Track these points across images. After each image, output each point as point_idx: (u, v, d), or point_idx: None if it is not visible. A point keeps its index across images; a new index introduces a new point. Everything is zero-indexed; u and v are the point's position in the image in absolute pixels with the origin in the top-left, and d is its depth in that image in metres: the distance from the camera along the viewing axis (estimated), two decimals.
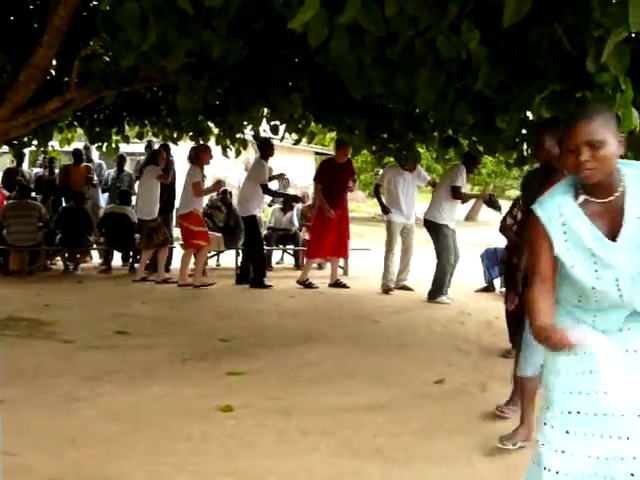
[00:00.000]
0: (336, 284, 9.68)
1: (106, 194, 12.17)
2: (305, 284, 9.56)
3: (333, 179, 9.37)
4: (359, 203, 30.64)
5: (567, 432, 2.25)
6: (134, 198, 11.04)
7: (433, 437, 3.92)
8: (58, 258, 11.31)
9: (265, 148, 9.84)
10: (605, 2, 2.94)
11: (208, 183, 11.09)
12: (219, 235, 10.95)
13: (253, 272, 9.75)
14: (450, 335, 6.74)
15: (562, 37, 3.64)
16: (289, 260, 12.63)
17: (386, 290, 9.25)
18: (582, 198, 2.20)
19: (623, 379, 2.15)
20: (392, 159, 9.44)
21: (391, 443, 3.83)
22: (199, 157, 9.50)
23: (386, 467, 3.51)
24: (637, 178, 2.17)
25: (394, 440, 3.87)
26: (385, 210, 9.51)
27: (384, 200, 9.58)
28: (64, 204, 11.27)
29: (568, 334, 2.09)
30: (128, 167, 12.81)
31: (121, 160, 11.77)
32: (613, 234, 2.17)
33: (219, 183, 10.58)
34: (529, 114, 5.44)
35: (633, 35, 3.73)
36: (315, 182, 9.84)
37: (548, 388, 2.35)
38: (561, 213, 2.21)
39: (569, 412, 2.26)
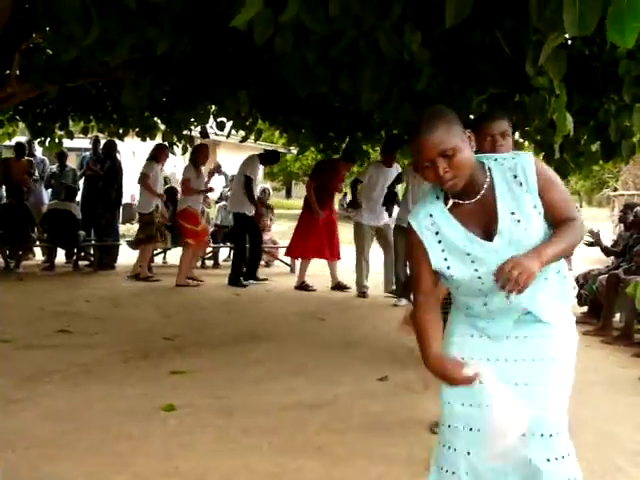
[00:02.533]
0: (338, 286, 9.51)
1: (49, 190, 11.94)
2: (302, 287, 9.43)
3: (327, 180, 9.22)
4: None
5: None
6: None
7: (375, 434, 3.95)
8: None
9: (271, 157, 9.92)
10: (542, 7, 3.00)
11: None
12: (167, 233, 10.86)
13: (232, 269, 9.73)
14: (396, 333, 6.79)
15: (501, 41, 3.71)
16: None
17: (362, 294, 8.97)
18: (451, 202, 2.12)
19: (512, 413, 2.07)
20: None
21: (333, 440, 3.85)
22: (194, 156, 9.49)
23: (328, 464, 3.52)
24: (502, 171, 2.10)
25: (336, 437, 3.89)
26: (355, 204, 9.09)
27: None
28: (4, 198, 11.03)
29: (464, 369, 2.05)
30: (72, 163, 12.60)
31: (62, 156, 11.55)
32: (489, 232, 2.09)
33: (211, 189, 10.40)
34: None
35: (569, 42, 3.85)
36: (309, 179, 9.72)
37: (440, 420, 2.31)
38: (433, 222, 2.15)
39: (449, 447, 2.22)
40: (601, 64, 4.48)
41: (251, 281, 9.67)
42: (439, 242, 2.14)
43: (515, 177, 2.08)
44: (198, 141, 9.85)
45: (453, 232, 2.12)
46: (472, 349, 2.24)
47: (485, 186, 2.09)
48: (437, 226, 2.14)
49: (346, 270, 9.84)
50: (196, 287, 9.42)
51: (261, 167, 9.77)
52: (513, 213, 2.07)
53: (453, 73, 4.40)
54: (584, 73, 4.56)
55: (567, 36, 3.22)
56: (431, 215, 2.15)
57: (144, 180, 9.55)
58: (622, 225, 9.17)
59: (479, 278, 2.10)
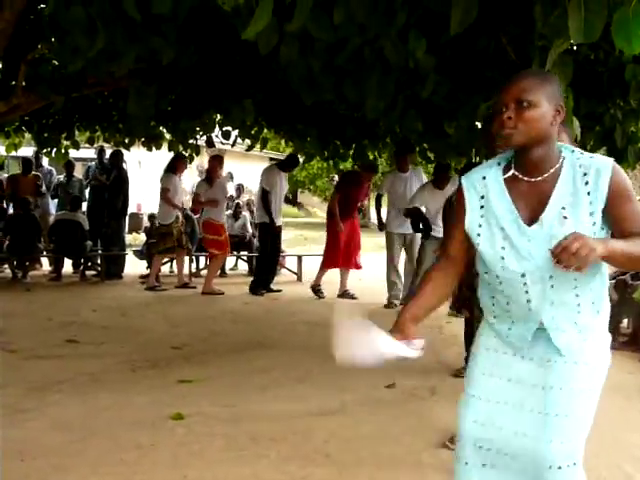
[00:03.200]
0: (344, 294, 9.40)
1: (55, 200, 11.97)
2: (316, 290, 9.42)
3: (351, 192, 9.21)
4: (314, 208, 30.74)
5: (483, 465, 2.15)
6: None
7: (383, 441, 3.94)
8: (6, 266, 11.08)
9: (290, 162, 9.91)
10: (547, 13, 3.01)
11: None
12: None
13: (254, 277, 9.81)
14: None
15: (507, 47, 3.72)
16: (243, 266, 12.59)
17: (389, 305, 8.75)
18: (511, 173, 2.02)
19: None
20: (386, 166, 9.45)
21: (341, 448, 3.84)
22: (208, 171, 9.66)
23: (336, 472, 3.52)
24: (574, 164, 1.97)
25: (344, 445, 3.89)
26: (381, 227, 9.12)
27: (384, 211, 9.18)
28: (11, 211, 11.08)
29: (415, 340, 2.08)
30: (78, 173, 12.65)
31: (69, 166, 11.59)
32: (533, 219, 1.98)
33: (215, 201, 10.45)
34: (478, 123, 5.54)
35: (575, 47, 3.85)
36: (335, 191, 9.65)
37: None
38: (484, 185, 2.05)
39: (480, 446, 2.15)
40: (607, 69, 4.48)
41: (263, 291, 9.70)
42: (481, 207, 2.05)
43: (585, 175, 1.94)
44: (204, 150, 9.90)
45: (499, 202, 2.02)
46: (494, 365, 2.16)
47: (551, 170, 1.97)
48: (486, 190, 2.05)
49: (365, 278, 9.78)
50: (221, 295, 9.41)
51: (283, 175, 9.67)
52: (564, 208, 1.94)
53: (459, 80, 4.40)
54: (590, 78, 4.56)
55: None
56: (484, 178, 2.07)
57: (164, 194, 9.64)
58: None
59: (502, 259, 2.00)
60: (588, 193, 1.92)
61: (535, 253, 1.95)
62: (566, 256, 1.75)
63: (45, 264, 11.80)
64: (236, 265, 12.68)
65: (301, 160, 9.97)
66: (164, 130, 8.52)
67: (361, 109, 5.65)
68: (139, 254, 11.43)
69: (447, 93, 4.49)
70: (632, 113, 4.96)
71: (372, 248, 10.51)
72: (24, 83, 5.35)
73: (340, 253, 9.21)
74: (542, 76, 1.99)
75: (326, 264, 9.46)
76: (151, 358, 5.74)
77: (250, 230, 11.97)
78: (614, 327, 7.17)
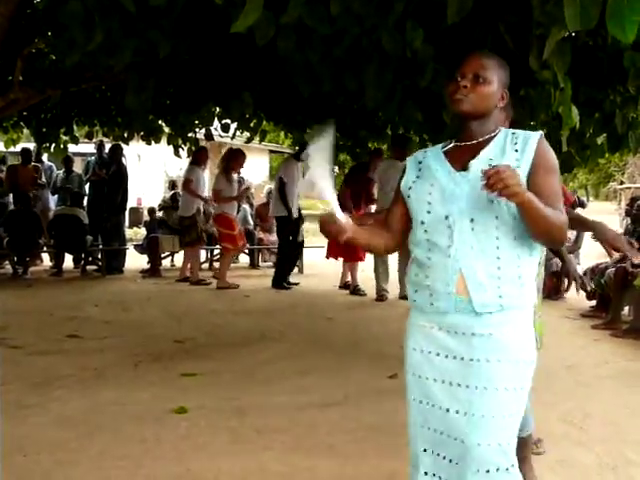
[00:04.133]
0: (355, 291, 9.17)
1: (55, 196, 11.96)
2: (355, 291, 9.14)
3: (362, 184, 9.08)
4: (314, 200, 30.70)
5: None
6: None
7: (386, 432, 3.95)
8: (7, 262, 11.07)
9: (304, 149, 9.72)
10: (543, 1, 2.99)
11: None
12: (173, 236, 10.91)
13: (275, 271, 9.75)
14: (403, 330, 6.78)
15: (505, 35, 3.70)
16: (245, 259, 12.60)
17: (379, 298, 8.62)
18: (451, 145, 2.20)
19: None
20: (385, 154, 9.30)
21: (345, 439, 3.85)
22: (227, 162, 9.56)
23: (340, 463, 3.52)
24: (507, 134, 2.12)
25: (348, 436, 3.89)
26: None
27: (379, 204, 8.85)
28: (12, 205, 11.06)
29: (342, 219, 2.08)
30: (78, 168, 12.63)
31: (68, 161, 11.57)
32: (463, 169, 2.11)
33: (245, 190, 10.38)
34: None
35: (573, 34, 3.83)
36: (344, 186, 9.42)
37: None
38: (424, 156, 2.24)
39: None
40: (606, 55, 4.46)
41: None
42: (419, 170, 2.20)
43: (515, 140, 2.09)
44: (203, 143, 9.87)
45: (435, 160, 2.18)
46: (426, 341, 2.16)
47: (486, 136, 2.13)
48: (425, 156, 2.23)
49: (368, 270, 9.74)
50: (236, 289, 9.38)
51: (300, 166, 9.40)
52: (491, 159, 2.06)
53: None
54: (589, 65, 4.54)
55: None
56: (425, 152, 2.27)
57: (186, 184, 9.74)
58: (629, 218, 9.16)
59: (429, 204, 2.11)
60: (516, 151, 2.07)
61: (459, 195, 2.06)
62: (495, 178, 1.84)
63: (46, 260, 11.80)
64: (237, 258, 12.67)
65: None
66: (163, 124, 8.50)
67: (360, 100, 5.64)
68: (140, 248, 11.43)
69: (445, 82, 4.46)
70: (631, 100, 4.93)
71: None
72: (21, 78, 5.33)
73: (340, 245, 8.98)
74: (499, 61, 2.16)
75: (331, 253, 9.32)
76: (154, 352, 5.75)
77: (251, 222, 11.95)
78: (614, 315, 7.19)
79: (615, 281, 7.19)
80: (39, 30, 5.10)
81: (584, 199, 13.95)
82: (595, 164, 8.01)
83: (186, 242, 10.06)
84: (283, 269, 9.72)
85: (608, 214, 18.40)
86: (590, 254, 9.75)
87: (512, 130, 2.15)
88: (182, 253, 10.83)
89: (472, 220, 2.03)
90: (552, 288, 8.77)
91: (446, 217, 2.06)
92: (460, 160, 2.12)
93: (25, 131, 9.11)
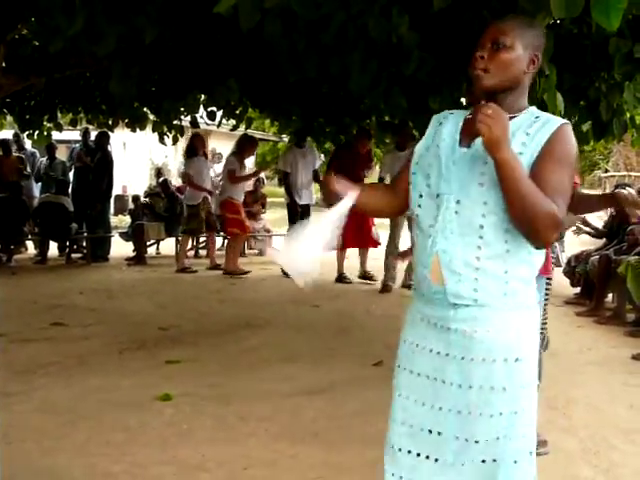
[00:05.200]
0: (365, 277, 9.08)
1: (39, 183, 11.86)
2: (341, 278, 9.05)
3: (349, 165, 8.25)
4: None
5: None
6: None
7: (370, 419, 3.96)
8: None
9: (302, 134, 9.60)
10: None
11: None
12: (159, 223, 10.88)
13: None
14: (389, 318, 6.81)
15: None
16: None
17: (385, 288, 8.36)
18: (471, 113, 1.98)
19: None
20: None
21: (329, 426, 3.86)
22: (240, 147, 9.51)
23: (324, 450, 3.54)
24: (533, 114, 1.91)
25: (332, 423, 3.91)
26: None
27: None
28: None
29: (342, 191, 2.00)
30: (62, 155, 12.53)
31: (51, 148, 11.46)
32: (468, 145, 1.92)
33: (257, 172, 10.29)
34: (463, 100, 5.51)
35: (558, 21, 3.83)
36: (327, 169, 9.06)
37: None
38: (446, 116, 2.05)
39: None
40: (590, 42, 4.46)
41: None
42: (435, 133, 2.02)
43: (535, 120, 1.88)
44: (189, 131, 9.83)
45: (449, 127, 1.99)
46: (412, 332, 2.05)
47: (510, 115, 1.84)
48: (446, 120, 2.03)
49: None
50: (244, 276, 9.35)
51: (300, 152, 9.38)
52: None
53: (443, 57, 4.38)
54: (574, 52, 4.54)
55: None
56: (451, 113, 2.07)
57: (186, 179, 9.89)
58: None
59: (428, 176, 1.94)
60: (527, 134, 1.86)
61: (454, 175, 1.88)
62: (482, 113, 1.70)
63: (30, 247, 11.72)
64: (223, 245, 12.63)
65: (286, 140, 9.87)
66: (148, 111, 8.44)
67: (345, 86, 5.63)
68: (125, 236, 11.38)
69: (431, 70, 4.46)
70: (617, 86, 4.94)
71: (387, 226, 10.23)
72: (4, 64, 5.27)
73: (349, 233, 8.28)
74: (525, 21, 1.93)
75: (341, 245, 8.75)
76: (138, 339, 5.73)
77: None
78: (598, 301, 7.24)
79: (599, 268, 7.24)
80: (22, 16, 5.03)
81: None
82: (580, 152, 8.03)
83: (184, 230, 10.16)
84: None
85: None
86: (574, 242, 9.80)
87: (538, 112, 1.93)
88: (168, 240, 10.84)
89: (458, 202, 1.87)
90: None
91: (437, 195, 1.90)
92: (471, 136, 1.89)
93: (8, 118, 9.02)
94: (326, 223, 1.96)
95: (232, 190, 9.49)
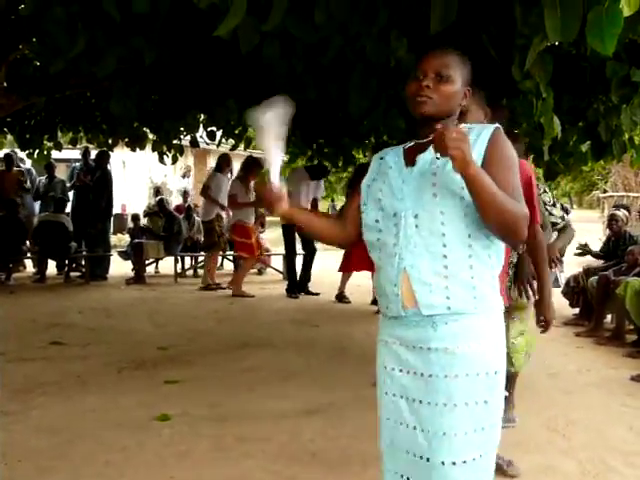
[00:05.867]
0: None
1: (38, 202, 11.86)
2: (341, 298, 9.04)
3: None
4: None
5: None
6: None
7: (369, 440, 3.93)
8: None
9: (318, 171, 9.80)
10: (526, 12, 3.02)
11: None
12: (158, 242, 10.89)
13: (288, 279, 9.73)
14: None
15: (487, 45, 3.73)
16: (229, 266, 12.57)
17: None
18: (412, 142, 2.08)
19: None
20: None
21: (327, 447, 3.85)
22: (246, 170, 9.59)
23: (323, 471, 3.52)
24: (464, 128, 1.97)
25: (331, 443, 3.89)
26: None
27: None
28: None
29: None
30: (62, 174, 12.57)
31: (50, 167, 11.50)
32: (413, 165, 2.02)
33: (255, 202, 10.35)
34: None
35: (557, 44, 3.87)
36: (349, 189, 8.98)
37: None
38: (386, 152, 2.16)
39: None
40: (589, 65, 4.50)
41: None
42: (379, 166, 2.12)
43: (469, 131, 1.96)
44: (189, 150, 9.90)
45: (391, 160, 2.09)
46: (389, 357, 2.09)
47: None
48: (387, 154, 2.13)
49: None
50: (251, 298, 9.32)
51: (309, 181, 9.43)
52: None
53: None
54: (572, 74, 4.58)
55: None
56: (391, 149, 2.16)
57: (205, 191, 10.00)
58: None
59: (379, 200, 2.03)
60: None
61: (406, 193, 1.97)
62: (444, 137, 1.75)
63: (29, 266, 11.72)
64: (221, 265, 12.65)
65: (285, 159, 9.88)
66: (148, 130, 8.48)
67: (345, 108, 5.66)
68: (124, 255, 11.39)
69: None
70: (614, 109, 4.98)
71: None
72: (5, 84, 5.31)
73: (355, 256, 8.15)
74: (461, 57, 2.05)
75: (342, 267, 8.74)
76: (137, 359, 5.72)
77: None
78: (597, 322, 7.24)
79: (598, 289, 7.25)
80: (24, 36, 5.07)
81: (567, 207, 14.04)
82: (578, 172, 8.08)
83: (204, 246, 10.38)
84: (293, 277, 9.65)
85: (591, 222, 18.53)
86: (573, 262, 9.81)
87: (468, 125, 2.03)
88: (167, 259, 10.82)
89: (416, 216, 1.93)
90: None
91: (394, 214, 1.97)
92: (414, 156, 2.01)
93: (9, 137, 9.05)
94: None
95: (241, 213, 9.51)
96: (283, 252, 11.75)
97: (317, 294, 9.57)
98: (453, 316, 1.92)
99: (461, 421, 1.91)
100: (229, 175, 10.44)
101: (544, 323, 3.42)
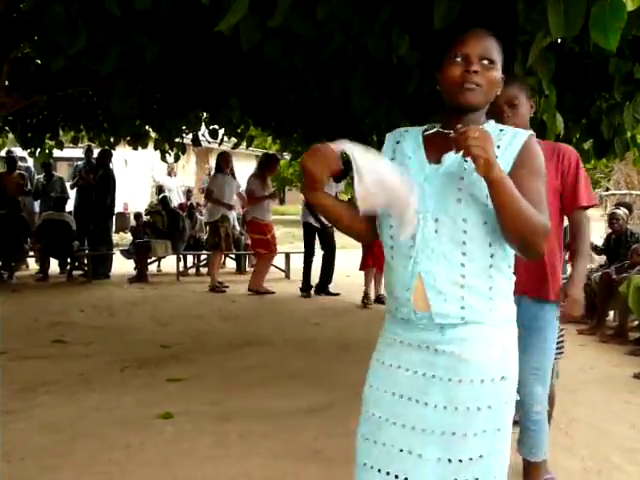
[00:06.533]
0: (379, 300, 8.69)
1: (37, 201, 11.86)
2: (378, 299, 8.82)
3: None
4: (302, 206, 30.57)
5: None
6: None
7: None
8: None
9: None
10: (528, 9, 3.01)
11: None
12: (165, 240, 10.91)
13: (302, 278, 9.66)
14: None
15: None
16: (231, 264, 12.59)
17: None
18: (434, 130, 1.94)
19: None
20: None
21: (330, 444, 3.85)
22: (261, 167, 9.64)
23: (325, 468, 3.52)
24: (496, 128, 1.90)
25: (333, 441, 3.89)
26: None
27: None
28: None
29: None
30: (64, 172, 12.56)
31: (47, 166, 11.49)
32: (436, 162, 1.89)
33: (275, 194, 10.29)
34: None
35: (559, 40, 3.85)
36: None
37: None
38: (403, 134, 2.00)
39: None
40: (592, 62, 4.48)
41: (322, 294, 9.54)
42: (393, 151, 1.98)
43: (501, 133, 1.88)
44: (191, 148, 9.91)
45: (410, 142, 1.96)
46: (391, 353, 2.00)
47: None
48: (403, 137, 1.99)
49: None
50: (271, 295, 9.36)
51: (333, 184, 9.19)
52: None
53: None
54: (575, 71, 4.57)
55: None
56: (406, 131, 2.02)
57: (209, 195, 9.98)
58: None
59: None
60: (498, 147, 1.82)
61: (428, 193, 1.84)
62: (465, 137, 1.65)
63: (31, 264, 11.73)
64: (224, 263, 12.65)
65: (288, 157, 9.90)
66: (150, 129, 8.48)
67: (347, 106, 5.66)
68: (126, 253, 11.39)
69: (432, 88, 4.48)
70: (617, 106, 4.96)
71: None
72: (7, 82, 5.31)
73: (369, 255, 8.61)
74: (498, 42, 1.89)
75: (362, 265, 8.89)
76: (140, 357, 5.73)
77: (238, 228, 11.95)
78: (600, 320, 7.23)
79: (600, 287, 7.24)
80: (25, 34, 5.08)
81: None
82: None
83: (207, 247, 10.40)
84: (307, 276, 9.59)
85: (594, 221, 18.48)
86: None
87: (501, 126, 1.93)
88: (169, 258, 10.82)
89: (437, 220, 1.82)
90: None
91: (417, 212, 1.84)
92: (438, 150, 1.87)
93: (10, 135, 9.06)
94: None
95: (256, 210, 9.52)
96: (285, 251, 11.81)
97: (337, 294, 9.53)
98: (465, 324, 1.85)
99: (459, 424, 1.85)
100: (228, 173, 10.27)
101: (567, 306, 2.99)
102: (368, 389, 2.04)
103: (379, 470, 1.92)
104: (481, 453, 1.87)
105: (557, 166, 2.84)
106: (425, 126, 2.00)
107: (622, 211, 8.05)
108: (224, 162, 9.94)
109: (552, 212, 2.46)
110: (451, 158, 1.83)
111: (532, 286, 2.78)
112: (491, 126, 1.91)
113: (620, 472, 3.58)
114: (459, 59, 1.82)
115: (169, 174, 16.42)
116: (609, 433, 4.18)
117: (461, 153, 1.72)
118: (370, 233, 2.05)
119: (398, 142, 2.00)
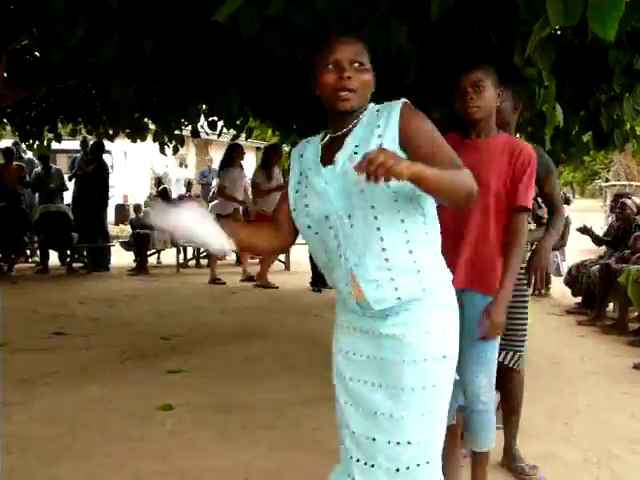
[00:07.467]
0: None
1: (37, 193, 11.85)
2: None
3: None
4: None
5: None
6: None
7: None
8: None
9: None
10: None
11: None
12: (164, 232, 10.87)
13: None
14: None
15: (489, 32, 3.71)
16: (231, 256, 12.58)
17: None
18: (328, 137, 2.05)
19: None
20: None
21: (331, 435, 3.81)
22: (265, 159, 9.44)
23: (326, 458, 3.50)
24: (372, 113, 1.97)
25: (334, 432, 3.85)
26: None
27: None
28: None
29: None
30: (63, 164, 12.55)
31: (44, 158, 11.47)
32: (331, 163, 1.98)
33: (282, 185, 10.20)
34: None
35: (559, 32, 3.84)
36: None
37: None
38: (305, 146, 2.12)
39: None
40: (591, 53, 4.47)
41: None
42: (301, 164, 2.09)
43: (378, 113, 1.95)
44: (190, 140, 9.87)
45: (310, 154, 2.07)
46: (345, 340, 2.11)
47: (354, 121, 1.98)
48: (305, 151, 2.10)
49: None
50: (276, 289, 9.27)
51: None
52: (357, 146, 1.93)
53: (443, 66, 4.39)
54: (574, 63, 4.55)
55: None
56: (307, 142, 2.13)
57: (222, 191, 9.62)
58: (613, 215, 9.24)
59: (306, 206, 2.00)
60: (378, 126, 1.92)
61: (332, 194, 1.94)
62: (372, 166, 1.64)
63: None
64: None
65: (287, 149, 9.87)
66: (148, 121, 8.46)
67: None
68: (126, 245, 11.40)
69: (432, 79, 4.47)
70: (616, 98, 4.95)
71: None
72: (6, 74, 5.29)
73: None
74: (364, 43, 2.03)
75: None
76: (140, 349, 5.73)
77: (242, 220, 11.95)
78: (599, 311, 7.24)
79: (600, 278, 7.24)
80: (23, 26, 5.05)
81: (570, 196, 14.00)
82: (580, 161, 8.05)
83: None
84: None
85: (593, 211, 18.52)
86: (576, 251, 9.80)
87: (377, 106, 1.99)
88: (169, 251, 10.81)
89: (349, 216, 1.91)
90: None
91: (326, 217, 1.95)
92: (330, 154, 1.98)
93: (7, 127, 9.04)
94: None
95: (262, 203, 9.39)
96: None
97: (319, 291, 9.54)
98: (404, 305, 1.93)
99: (407, 404, 1.93)
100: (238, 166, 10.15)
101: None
102: (334, 377, 2.17)
103: (350, 457, 2.09)
104: (430, 436, 1.96)
105: (510, 161, 2.80)
106: (321, 135, 2.10)
107: (631, 202, 8.02)
108: (237, 155, 9.66)
109: (499, 209, 2.73)
110: (344, 156, 1.94)
111: (475, 279, 2.77)
112: (368, 112, 1.99)
113: (620, 462, 3.58)
114: (331, 66, 1.94)
115: (180, 165, 16.37)
116: (609, 423, 4.18)
117: (351, 148, 1.92)
118: (289, 244, 2.25)
119: (302, 155, 2.11)
